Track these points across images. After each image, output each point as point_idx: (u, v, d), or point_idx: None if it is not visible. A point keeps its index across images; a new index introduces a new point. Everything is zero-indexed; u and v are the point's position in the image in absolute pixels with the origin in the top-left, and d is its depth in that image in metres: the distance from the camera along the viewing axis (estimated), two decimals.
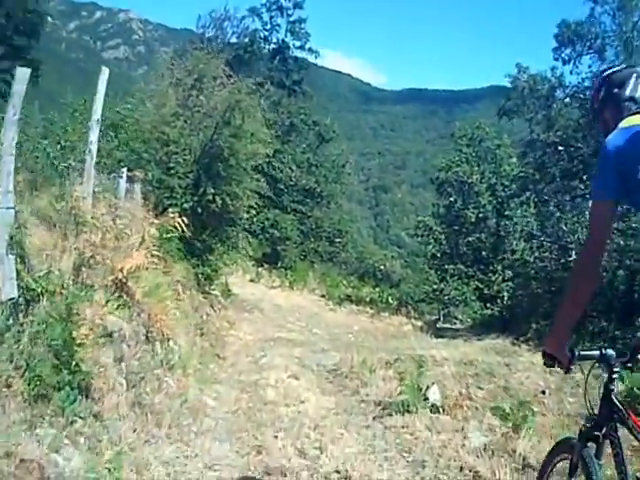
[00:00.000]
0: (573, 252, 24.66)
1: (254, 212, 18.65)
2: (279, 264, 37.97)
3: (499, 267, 35.73)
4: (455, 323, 34.40)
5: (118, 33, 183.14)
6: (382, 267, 42.40)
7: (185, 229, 13.26)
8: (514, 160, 36.90)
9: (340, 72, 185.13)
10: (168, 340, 9.69)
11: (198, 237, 15.87)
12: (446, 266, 37.65)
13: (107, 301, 7.86)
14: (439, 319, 34.47)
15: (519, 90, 30.29)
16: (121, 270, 8.52)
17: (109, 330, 7.51)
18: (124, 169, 12.51)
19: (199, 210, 15.72)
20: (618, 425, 3.27)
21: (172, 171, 15.77)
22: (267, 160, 38.46)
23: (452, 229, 38.65)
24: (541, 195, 29.55)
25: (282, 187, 41.09)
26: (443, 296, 36.54)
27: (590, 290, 3.30)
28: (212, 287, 17.91)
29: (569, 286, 3.36)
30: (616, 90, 3.62)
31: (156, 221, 12.69)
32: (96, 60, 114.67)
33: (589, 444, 3.45)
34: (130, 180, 13.09)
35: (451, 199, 38.76)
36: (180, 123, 16.49)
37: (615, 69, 3.82)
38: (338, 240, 45.78)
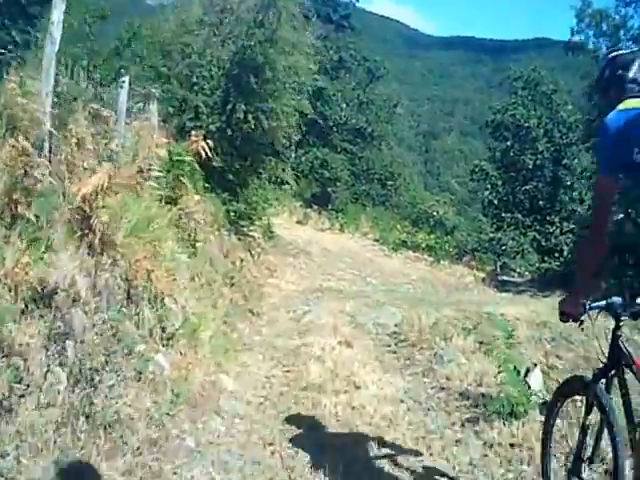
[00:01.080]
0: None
1: (296, 138, 15.17)
2: (329, 206, 34.27)
3: (557, 219, 32.88)
4: (513, 276, 30.78)
5: None
6: (435, 213, 38.41)
7: (210, 155, 11.05)
8: (570, 107, 34.43)
9: (388, 18, 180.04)
10: (162, 299, 6.41)
11: (230, 167, 12.82)
12: (503, 214, 34.50)
13: (48, 244, 4.69)
14: (496, 271, 30.82)
15: (584, 24, 26.52)
16: (80, 194, 5.30)
17: (42, 288, 4.36)
18: (125, 78, 9.47)
19: (229, 132, 12.72)
20: (625, 369, 3.42)
21: (196, 87, 12.91)
22: (313, 84, 36.06)
23: (509, 175, 35.47)
24: None
25: (331, 125, 37.66)
26: (500, 246, 33.20)
27: (597, 255, 3.58)
28: (250, 228, 15.11)
29: (579, 252, 4.29)
30: (620, 72, 3.66)
31: (171, 143, 10.13)
32: None
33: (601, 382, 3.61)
34: (146, 98, 10.75)
35: (507, 143, 35.27)
36: (205, 32, 13.41)
37: (621, 52, 3.82)
38: (390, 183, 42.62)
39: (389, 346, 9.54)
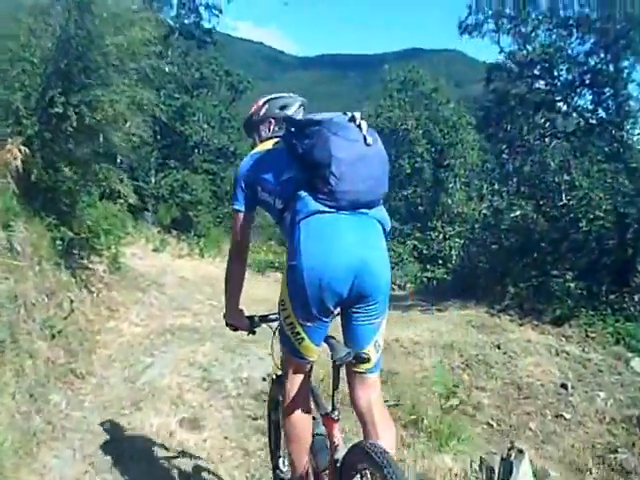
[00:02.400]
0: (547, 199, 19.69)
1: (140, 139, 12.37)
2: (191, 231, 31.79)
3: (439, 224, 32.14)
4: (393, 289, 28.32)
5: None
6: None
7: (27, 168, 9.26)
8: (452, 105, 34.31)
9: (251, 41, 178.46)
10: None
11: (53, 182, 10.08)
12: None
13: None
14: None
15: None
16: None
17: None
18: None
19: (46, 135, 9.77)
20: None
21: (17, 84, 9.97)
22: (174, 112, 33.34)
23: None
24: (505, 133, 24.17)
25: (192, 145, 35.84)
26: None
27: (241, 273, 3.98)
28: (91, 259, 12.58)
29: (227, 271, 3.95)
30: (276, 111, 4.01)
31: None
32: None
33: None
34: None
35: None
36: (32, 19, 10.44)
37: (275, 95, 4.17)
38: None
39: (255, 419, 6.95)
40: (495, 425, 8.24)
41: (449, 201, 32.23)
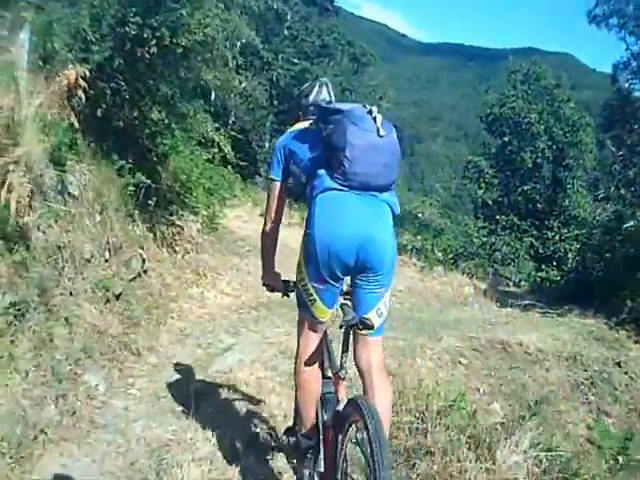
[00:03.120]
0: None
1: (256, 101, 10.84)
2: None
3: (555, 224, 30.27)
4: (508, 285, 26.87)
5: None
6: (421, 214, 35.10)
7: (90, 98, 7.73)
8: (572, 105, 31.95)
9: (377, 22, 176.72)
10: None
11: (124, 118, 8.23)
12: (497, 217, 31.43)
13: None
14: (497, 281, 26.46)
15: None
16: None
17: None
18: None
19: (118, 62, 7.91)
20: None
21: (83, 4, 8.20)
22: (292, 76, 31.68)
23: (504, 174, 32.69)
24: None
25: None
26: (492, 251, 30.00)
27: (274, 239, 4.20)
28: (178, 214, 11.05)
29: (262, 239, 4.23)
30: (303, 100, 4.25)
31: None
32: None
33: None
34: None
35: (505, 139, 32.45)
36: None
37: (305, 85, 4.44)
38: None
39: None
40: None
41: (566, 202, 30.30)
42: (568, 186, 30.27)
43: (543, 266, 27.86)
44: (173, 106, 9.08)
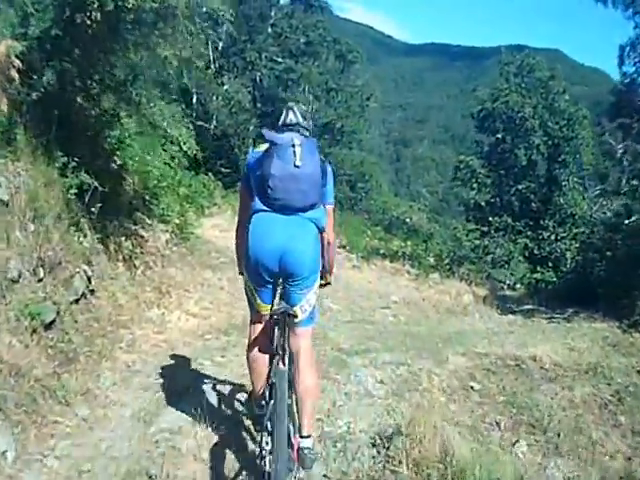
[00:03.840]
0: None
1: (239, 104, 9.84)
2: None
3: (551, 223, 28.91)
4: (503, 288, 25.23)
5: None
6: (409, 219, 33.30)
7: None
8: (567, 97, 30.62)
9: (361, 24, 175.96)
10: None
11: (66, 103, 6.90)
12: (490, 218, 29.90)
13: None
14: (496, 286, 24.65)
15: None
16: None
17: None
18: None
19: (56, 33, 6.55)
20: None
21: None
22: (275, 76, 30.41)
23: (497, 173, 31.37)
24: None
25: None
26: (485, 254, 28.19)
27: (245, 233, 4.42)
28: (143, 223, 9.93)
29: (237, 237, 4.88)
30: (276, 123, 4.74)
31: None
32: None
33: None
34: None
35: (498, 135, 30.97)
36: None
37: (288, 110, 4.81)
38: (360, 185, 37.21)
39: None
40: None
41: (562, 200, 28.95)
42: (564, 183, 29.05)
43: (538, 267, 26.65)
44: (124, 92, 7.63)
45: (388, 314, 12.78)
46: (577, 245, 24.93)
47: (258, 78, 31.01)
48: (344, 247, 20.87)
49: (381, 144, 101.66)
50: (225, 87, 29.25)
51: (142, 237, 9.46)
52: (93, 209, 7.57)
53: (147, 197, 10.43)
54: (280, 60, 31.28)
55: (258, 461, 4.22)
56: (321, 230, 4.39)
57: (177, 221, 11.32)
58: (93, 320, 6.58)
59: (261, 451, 4.16)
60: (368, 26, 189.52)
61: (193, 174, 17.58)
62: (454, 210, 49.24)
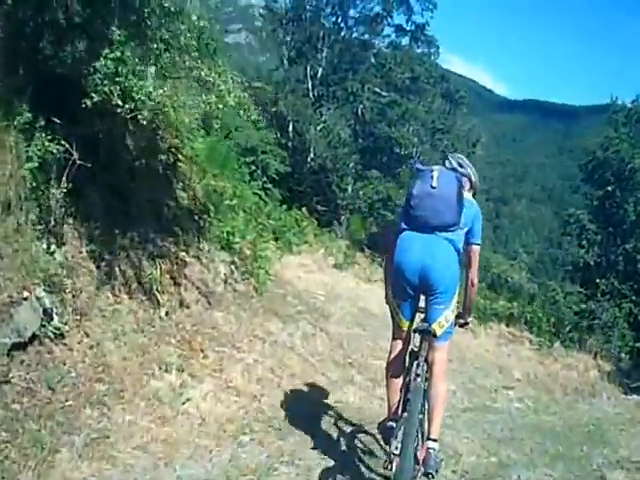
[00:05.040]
0: None
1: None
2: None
3: None
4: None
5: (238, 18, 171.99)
6: (510, 278, 30.71)
7: None
8: None
9: (463, 76, 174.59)
10: None
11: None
12: (597, 280, 26.22)
13: None
14: (619, 358, 21.84)
15: None
16: None
17: None
18: None
19: None
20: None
21: None
22: (379, 109, 27.47)
23: (606, 231, 27.71)
24: None
25: (398, 153, 28.25)
26: (592, 320, 24.65)
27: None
28: (199, 239, 7.55)
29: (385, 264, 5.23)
30: None
31: None
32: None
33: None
34: None
35: (608, 188, 27.36)
36: None
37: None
38: None
39: None
40: None
41: None
42: None
43: None
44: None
45: (512, 397, 10.07)
46: None
47: (360, 111, 28.05)
48: None
49: (481, 200, 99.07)
50: (324, 117, 26.85)
51: (183, 262, 6.45)
52: (84, 203, 4.56)
53: (204, 210, 7.60)
54: (384, 93, 28.31)
55: (386, 465, 4.22)
56: (457, 251, 4.51)
57: (247, 251, 8.73)
58: (42, 386, 3.50)
59: (389, 456, 4.17)
60: (470, 79, 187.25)
61: (286, 208, 16.46)
62: (549, 272, 45.28)
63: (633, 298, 25.57)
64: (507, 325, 17.31)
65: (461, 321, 4.96)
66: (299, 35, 27.93)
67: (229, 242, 8.23)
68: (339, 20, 28.27)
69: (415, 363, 4.46)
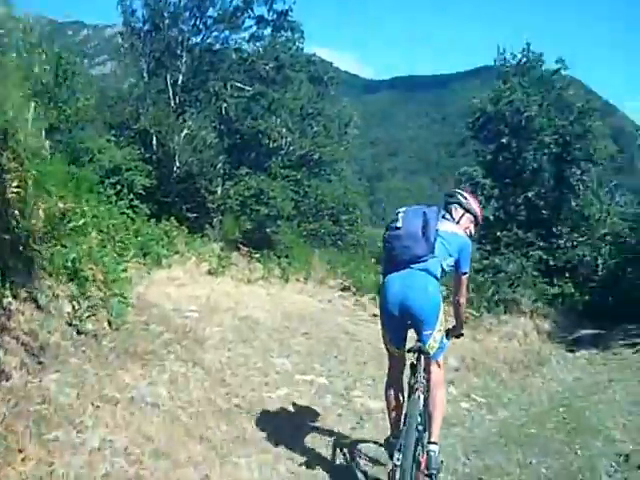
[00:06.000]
0: None
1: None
2: (267, 250, 21.64)
3: (564, 229, 26.82)
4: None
5: (106, 49, 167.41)
6: None
7: None
8: (572, 92, 28.15)
9: (325, 61, 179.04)
10: None
11: None
12: (498, 233, 26.35)
13: None
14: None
15: None
16: None
17: None
18: None
19: None
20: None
21: None
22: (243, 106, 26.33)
23: (503, 183, 27.83)
24: None
25: (267, 146, 27.91)
26: (496, 273, 24.27)
27: None
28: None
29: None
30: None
31: None
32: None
33: None
34: None
35: (503, 140, 27.44)
36: None
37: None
38: (345, 218, 33.13)
39: None
40: None
41: (573, 203, 26.79)
42: (575, 184, 26.75)
43: (555, 280, 24.43)
44: None
45: (457, 395, 8.68)
46: (594, 250, 24.57)
47: (224, 110, 27.16)
48: (346, 289, 16.60)
49: (354, 181, 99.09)
50: (188, 123, 26.22)
51: (7, 312, 4.84)
52: None
53: (44, 239, 6.36)
54: (248, 88, 27.33)
55: (390, 474, 4.43)
56: (435, 277, 4.91)
57: (100, 276, 7.20)
58: None
59: (393, 467, 4.38)
60: (334, 67, 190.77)
61: (155, 221, 15.71)
62: None
63: (541, 244, 26.08)
64: None
65: (456, 332, 5.59)
66: (158, 45, 27.19)
67: (76, 270, 6.74)
68: (198, 22, 27.78)
69: (413, 377, 4.97)
